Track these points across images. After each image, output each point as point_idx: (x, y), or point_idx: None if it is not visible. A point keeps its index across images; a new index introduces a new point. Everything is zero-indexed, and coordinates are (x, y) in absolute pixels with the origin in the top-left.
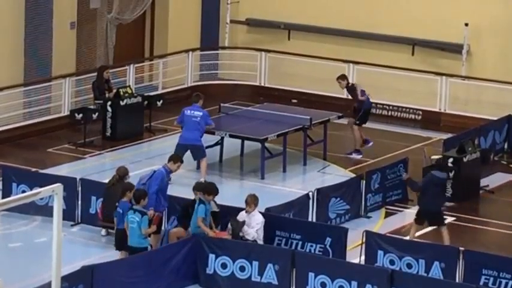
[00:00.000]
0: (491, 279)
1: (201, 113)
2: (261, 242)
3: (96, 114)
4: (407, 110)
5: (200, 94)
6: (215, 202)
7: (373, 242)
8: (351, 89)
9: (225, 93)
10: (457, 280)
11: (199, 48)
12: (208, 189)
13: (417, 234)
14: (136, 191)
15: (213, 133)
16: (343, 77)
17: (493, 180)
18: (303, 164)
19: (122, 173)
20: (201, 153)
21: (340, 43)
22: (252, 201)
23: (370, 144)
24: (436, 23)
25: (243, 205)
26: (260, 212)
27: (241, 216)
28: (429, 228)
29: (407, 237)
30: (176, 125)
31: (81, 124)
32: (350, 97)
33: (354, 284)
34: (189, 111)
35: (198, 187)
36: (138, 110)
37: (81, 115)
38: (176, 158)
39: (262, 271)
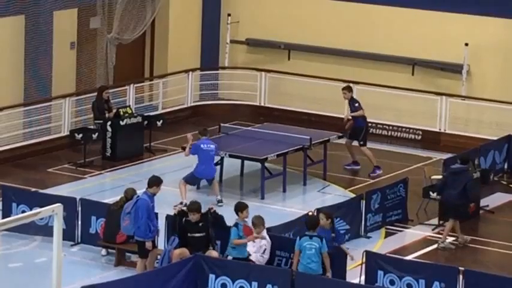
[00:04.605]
0: None
1: (214, 146)
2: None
3: (96, 134)
4: (407, 130)
5: (206, 128)
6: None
7: (373, 262)
8: (354, 101)
9: (225, 113)
10: None
11: (199, 68)
12: (237, 207)
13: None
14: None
15: None
16: (349, 89)
17: (493, 200)
18: (303, 184)
19: (130, 195)
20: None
21: (340, 63)
22: (261, 222)
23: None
24: (436, 43)
25: None
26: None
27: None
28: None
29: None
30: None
31: (81, 144)
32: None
33: None
34: (205, 146)
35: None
36: (138, 130)
37: (81, 135)
38: (158, 181)
39: None
